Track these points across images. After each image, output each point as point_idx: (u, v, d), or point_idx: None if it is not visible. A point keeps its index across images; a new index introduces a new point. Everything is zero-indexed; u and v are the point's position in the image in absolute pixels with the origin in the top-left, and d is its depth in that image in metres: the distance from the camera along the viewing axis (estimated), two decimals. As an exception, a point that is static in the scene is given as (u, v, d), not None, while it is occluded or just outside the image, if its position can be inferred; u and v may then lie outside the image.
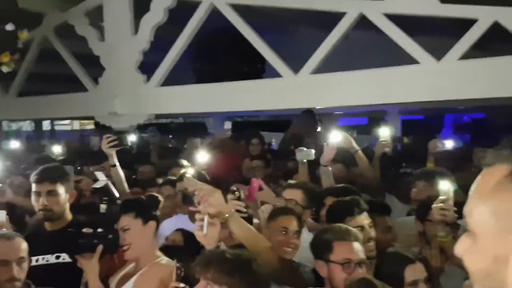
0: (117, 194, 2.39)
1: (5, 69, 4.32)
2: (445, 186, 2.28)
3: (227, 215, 1.93)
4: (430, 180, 2.85)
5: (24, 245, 2.13)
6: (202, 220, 1.92)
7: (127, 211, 2.11)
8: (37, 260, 2.29)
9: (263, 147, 5.47)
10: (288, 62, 4.15)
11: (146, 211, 2.20)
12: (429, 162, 3.85)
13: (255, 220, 2.66)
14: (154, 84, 4.86)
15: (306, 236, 2.42)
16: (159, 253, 2.19)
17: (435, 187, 2.50)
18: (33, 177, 2.46)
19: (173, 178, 3.59)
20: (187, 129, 10.55)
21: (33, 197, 2.45)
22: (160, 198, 3.06)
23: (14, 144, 6.82)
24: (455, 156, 3.99)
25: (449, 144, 3.94)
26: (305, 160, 3.64)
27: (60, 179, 2.46)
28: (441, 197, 2.24)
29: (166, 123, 11.71)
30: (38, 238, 2.36)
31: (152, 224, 2.18)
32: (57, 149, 5.40)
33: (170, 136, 10.31)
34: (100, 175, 2.66)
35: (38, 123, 13.83)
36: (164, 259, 2.16)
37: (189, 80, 6.46)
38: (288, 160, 4.70)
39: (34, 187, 2.44)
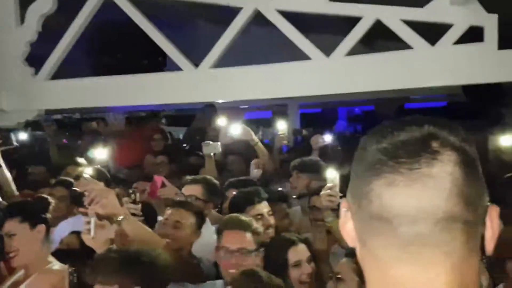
0: None
1: None
2: (331, 174, 2.45)
3: (120, 217, 1.89)
4: (303, 170, 3.13)
5: None
6: (89, 222, 1.87)
7: (12, 216, 1.98)
8: None
9: (166, 142, 5.40)
10: (191, 57, 4.13)
11: (34, 214, 2.09)
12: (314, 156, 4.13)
13: (160, 218, 2.65)
14: (44, 77, 4.54)
15: (209, 230, 2.46)
16: (51, 258, 2.08)
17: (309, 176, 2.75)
18: None
19: (67, 178, 3.43)
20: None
21: None
22: (51, 199, 2.91)
23: None
24: (335, 148, 4.39)
25: (328, 138, 4.33)
26: (212, 154, 3.71)
27: None
28: (328, 185, 2.41)
29: (62, 119, 10.99)
30: None
31: (41, 228, 2.07)
32: None
33: (67, 133, 9.71)
34: None
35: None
36: (56, 265, 2.06)
37: (86, 74, 6.15)
38: (193, 155, 4.70)
39: None
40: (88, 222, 1.85)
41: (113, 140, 4.81)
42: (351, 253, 1.86)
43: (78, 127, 7.77)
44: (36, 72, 4.57)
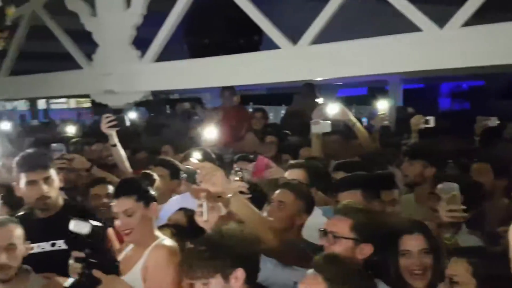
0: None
1: (-4, 47, 4.19)
2: (449, 187, 2.11)
3: (229, 195, 1.88)
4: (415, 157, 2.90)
5: (16, 232, 2.08)
6: (202, 205, 1.88)
7: (128, 194, 2.03)
8: (32, 249, 2.23)
9: (267, 121, 5.40)
10: (285, 34, 4.03)
11: (147, 193, 2.14)
12: (413, 139, 3.80)
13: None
14: (149, 60, 4.73)
15: (316, 214, 2.39)
16: (158, 233, 2.15)
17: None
18: (23, 165, 2.33)
19: (166, 158, 3.53)
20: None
21: (25, 186, 2.32)
22: (155, 176, 3.01)
23: (6, 125, 6.72)
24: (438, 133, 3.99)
25: (431, 120, 3.86)
26: (320, 133, 3.61)
27: (51, 164, 2.38)
28: (445, 195, 2.07)
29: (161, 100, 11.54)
30: (31, 226, 2.25)
31: (153, 206, 2.14)
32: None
33: (168, 112, 10.18)
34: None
35: (33, 102, 13.67)
36: (165, 239, 2.12)
37: (183, 55, 6.32)
38: (292, 135, 4.65)
39: (27, 176, 2.30)
40: (201, 205, 1.87)
41: (212, 120, 4.91)
42: (463, 252, 1.67)
43: (174, 107, 8.09)
44: (142, 54, 4.78)
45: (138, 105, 6.92)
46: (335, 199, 2.35)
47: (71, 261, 1.75)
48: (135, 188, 2.08)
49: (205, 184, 1.88)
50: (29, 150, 2.56)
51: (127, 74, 4.84)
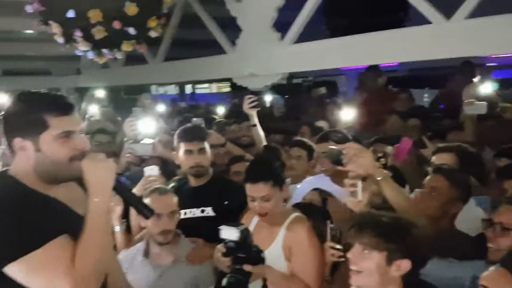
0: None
1: (153, 34, 4.57)
2: None
3: (379, 178, 1.78)
4: None
5: (175, 199, 2.27)
6: (354, 185, 1.80)
7: (265, 180, 2.04)
8: (185, 213, 2.42)
9: (412, 103, 5.07)
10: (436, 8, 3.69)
11: (281, 176, 2.15)
12: None
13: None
14: (289, 41, 4.74)
15: (470, 203, 2.16)
16: (289, 209, 2.15)
17: None
18: (182, 136, 2.57)
19: (302, 139, 3.51)
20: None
21: (183, 155, 2.57)
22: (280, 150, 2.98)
23: (160, 107, 7.49)
24: None
25: None
26: (475, 115, 3.28)
27: (206, 138, 2.55)
28: None
29: (296, 83, 11.60)
30: (184, 193, 2.47)
31: (286, 188, 2.14)
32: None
33: (303, 96, 10.21)
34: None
35: (181, 87, 14.97)
36: (298, 214, 2.11)
37: (322, 35, 6.22)
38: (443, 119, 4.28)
39: (185, 145, 2.55)
40: (353, 185, 1.80)
41: (351, 102, 4.76)
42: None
43: (308, 91, 8.04)
44: (282, 37, 4.82)
45: (273, 89, 7.08)
46: (497, 187, 2.08)
47: (218, 255, 1.82)
48: (271, 173, 2.08)
49: (351, 165, 1.80)
50: (189, 124, 2.79)
51: (267, 57, 4.93)
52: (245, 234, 1.78)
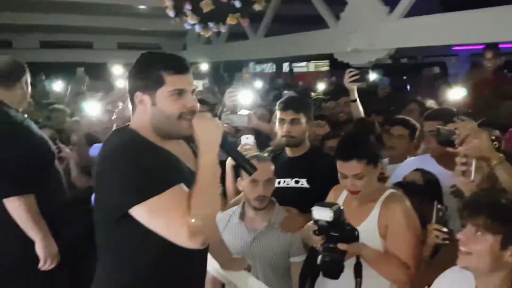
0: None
1: (257, 7, 4.64)
2: None
3: (494, 162, 1.62)
4: None
5: (272, 167, 2.29)
6: (466, 164, 1.66)
7: (359, 158, 1.93)
8: (279, 183, 2.43)
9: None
10: None
11: (376, 155, 2.03)
12: None
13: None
14: (398, 15, 4.50)
15: None
16: (379, 183, 2.05)
17: None
18: (279, 105, 2.58)
19: (406, 117, 3.32)
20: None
21: (277, 124, 2.58)
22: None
23: (258, 84, 7.63)
24: None
25: None
26: None
27: (303, 109, 2.51)
28: None
29: (398, 64, 10.98)
30: (280, 162, 2.48)
31: (380, 166, 2.02)
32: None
33: (404, 78, 9.70)
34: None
35: (278, 65, 15.01)
36: (394, 191, 2.01)
37: (434, 10, 5.80)
38: None
39: (279, 114, 2.55)
40: (465, 164, 1.66)
41: (463, 83, 4.39)
42: None
43: (417, 71, 7.58)
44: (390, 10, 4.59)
45: (377, 67, 6.79)
46: None
47: (309, 232, 1.79)
48: (365, 150, 1.97)
49: (465, 146, 1.66)
50: (294, 95, 2.79)
51: (373, 32, 4.74)
52: (338, 214, 1.72)
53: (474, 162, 1.65)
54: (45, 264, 2.37)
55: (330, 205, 1.72)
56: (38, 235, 2.34)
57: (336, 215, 1.70)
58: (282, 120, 2.52)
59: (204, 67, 8.56)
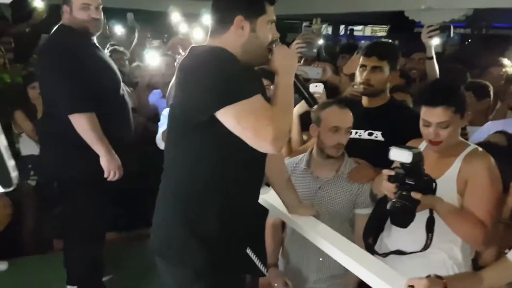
0: None
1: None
2: None
3: None
4: None
5: (351, 116, 2.19)
6: None
7: (447, 105, 1.81)
8: (350, 133, 2.33)
9: None
10: None
11: (465, 105, 1.88)
12: None
13: None
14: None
15: None
16: (461, 139, 1.92)
17: None
18: (363, 49, 2.45)
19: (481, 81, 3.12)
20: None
21: (357, 70, 2.46)
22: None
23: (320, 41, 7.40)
24: None
25: None
26: None
27: (387, 57, 2.37)
28: None
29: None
30: (355, 112, 2.34)
31: (467, 115, 1.88)
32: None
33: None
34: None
35: (335, 27, 14.52)
36: (478, 147, 1.88)
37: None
38: None
39: (361, 59, 2.43)
40: None
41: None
42: None
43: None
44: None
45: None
46: None
47: (383, 178, 1.70)
48: (455, 97, 1.84)
49: None
50: (382, 40, 2.71)
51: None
52: (418, 158, 1.63)
53: None
54: (109, 175, 2.57)
55: (409, 148, 1.63)
56: (102, 150, 2.54)
57: (415, 158, 1.60)
58: (363, 66, 2.40)
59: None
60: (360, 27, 17.22)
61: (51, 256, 3.54)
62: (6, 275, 3.31)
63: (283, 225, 2.35)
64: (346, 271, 1.84)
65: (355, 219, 2.22)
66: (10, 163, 0.54)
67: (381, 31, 15.90)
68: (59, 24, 2.67)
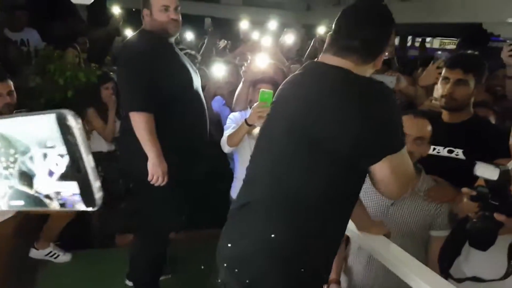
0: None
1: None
2: None
3: None
4: None
5: (427, 127, 2.06)
6: None
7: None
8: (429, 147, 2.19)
9: None
10: None
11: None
12: None
13: None
14: None
15: None
16: None
17: None
18: (447, 61, 2.31)
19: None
20: None
21: (439, 82, 2.32)
22: None
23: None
24: None
25: None
26: None
27: (473, 70, 2.22)
28: None
29: None
30: (433, 127, 2.22)
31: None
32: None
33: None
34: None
35: (402, 38, 14.16)
36: None
37: None
38: None
39: (444, 71, 2.30)
40: None
41: None
42: None
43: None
44: None
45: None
46: None
47: (465, 200, 1.57)
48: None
49: None
50: (465, 52, 2.57)
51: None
52: (505, 178, 1.48)
53: None
54: (152, 179, 2.57)
55: (497, 165, 1.48)
56: (150, 152, 2.55)
57: (502, 176, 1.46)
58: (446, 79, 2.26)
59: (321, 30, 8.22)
60: (428, 39, 16.63)
61: (113, 250, 3.65)
62: (69, 266, 3.44)
63: (346, 240, 2.25)
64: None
65: (430, 241, 2.07)
66: (96, 184, 0.53)
67: (450, 43, 15.24)
68: (140, 29, 2.74)
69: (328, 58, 1.48)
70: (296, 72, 1.59)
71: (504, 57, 2.88)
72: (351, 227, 1.87)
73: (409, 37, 14.33)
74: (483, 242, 1.53)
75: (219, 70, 3.96)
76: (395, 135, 1.37)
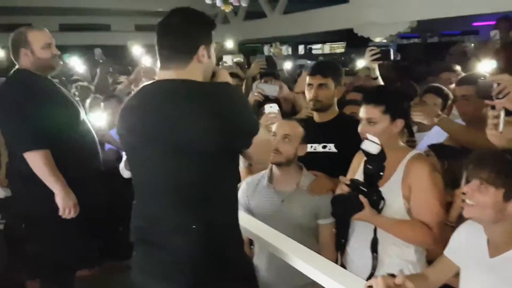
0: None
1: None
2: None
3: None
4: None
5: (296, 128, 2.34)
6: (497, 117, 1.68)
7: (376, 103, 1.95)
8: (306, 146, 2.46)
9: None
10: None
11: (398, 108, 1.99)
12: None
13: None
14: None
15: None
16: (403, 145, 2.07)
17: None
18: (308, 69, 2.60)
19: (438, 85, 3.28)
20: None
21: (306, 89, 2.61)
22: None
23: (288, 65, 7.63)
24: None
25: None
26: None
27: (331, 74, 2.52)
28: None
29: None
30: (308, 128, 2.48)
31: (400, 124, 2.00)
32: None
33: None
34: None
35: (294, 47, 14.96)
36: (419, 152, 2.02)
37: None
38: None
39: (307, 79, 2.59)
40: (497, 116, 1.68)
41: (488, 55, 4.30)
42: None
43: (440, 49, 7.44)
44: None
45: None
46: None
47: (342, 186, 1.83)
48: (387, 99, 1.98)
49: (503, 99, 1.70)
50: (323, 59, 2.84)
51: (392, 4, 4.68)
52: (382, 157, 1.74)
53: (503, 113, 1.68)
54: (65, 213, 2.58)
55: (379, 144, 1.75)
56: (56, 186, 2.56)
57: (382, 155, 1.72)
58: (310, 85, 2.56)
59: (229, 44, 8.46)
60: (319, 45, 17.70)
61: (25, 299, 3.47)
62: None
63: (250, 241, 2.42)
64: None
65: (319, 229, 2.32)
66: None
67: (339, 48, 16.36)
68: (15, 69, 2.72)
69: (159, 74, 1.63)
70: (131, 95, 1.75)
71: (367, 63, 3.22)
72: (249, 229, 2.02)
73: (301, 46, 15.24)
74: (342, 211, 1.83)
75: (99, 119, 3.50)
76: (252, 120, 1.58)
